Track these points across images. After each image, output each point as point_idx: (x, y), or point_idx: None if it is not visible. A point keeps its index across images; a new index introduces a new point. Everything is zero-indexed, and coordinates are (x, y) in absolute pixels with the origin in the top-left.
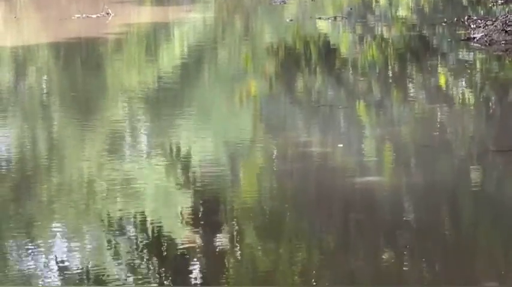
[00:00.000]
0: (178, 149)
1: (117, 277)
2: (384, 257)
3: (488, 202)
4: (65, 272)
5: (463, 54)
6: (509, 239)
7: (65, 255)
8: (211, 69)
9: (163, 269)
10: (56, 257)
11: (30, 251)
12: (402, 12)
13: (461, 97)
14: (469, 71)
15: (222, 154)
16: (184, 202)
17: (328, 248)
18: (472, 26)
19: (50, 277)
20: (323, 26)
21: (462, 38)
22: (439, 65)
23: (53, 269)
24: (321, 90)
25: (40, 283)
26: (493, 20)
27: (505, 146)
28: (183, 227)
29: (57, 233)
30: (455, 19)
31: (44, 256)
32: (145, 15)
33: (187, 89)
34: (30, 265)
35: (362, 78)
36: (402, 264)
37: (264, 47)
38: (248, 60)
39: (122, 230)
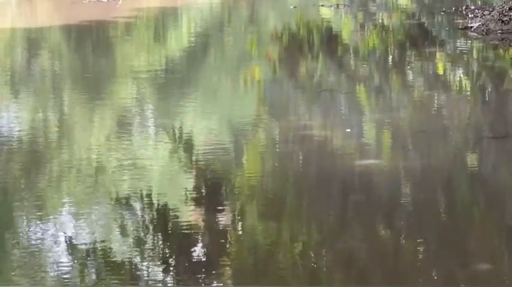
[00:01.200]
0: (184, 129)
1: (124, 249)
2: (381, 234)
3: (481, 184)
4: (72, 243)
5: (461, 42)
6: (501, 218)
7: (72, 228)
8: (217, 53)
9: (172, 239)
10: (64, 230)
11: (38, 224)
12: (402, 0)
13: (457, 84)
14: (465, 59)
15: (226, 134)
16: (189, 178)
17: (328, 224)
18: (469, 15)
19: (57, 249)
20: (326, 12)
21: (460, 27)
22: (437, 53)
23: (60, 241)
24: (323, 74)
25: (46, 254)
26: (490, 10)
27: (499, 132)
28: (189, 202)
29: (65, 206)
30: (454, 8)
31: (51, 228)
32: (155, 0)
33: (193, 72)
34: (39, 237)
35: (363, 64)
36: (399, 241)
37: (268, 33)
38: (253, 45)
39: (129, 205)
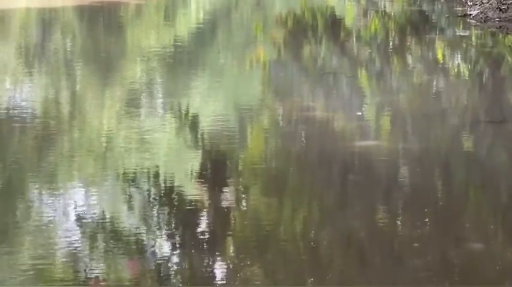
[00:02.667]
0: (191, 106)
1: (130, 222)
2: (379, 212)
3: (477, 165)
4: (80, 215)
5: (460, 29)
6: (495, 197)
7: (81, 200)
8: (224, 35)
9: (177, 212)
10: (74, 202)
11: (48, 196)
12: None
13: (456, 69)
14: (464, 45)
15: (231, 112)
16: (195, 154)
17: (328, 200)
18: (468, 3)
19: (66, 220)
20: None
21: (459, 14)
22: (436, 39)
23: (69, 213)
24: (326, 58)
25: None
26: None
27: (497, 117)
28: (193, 177)
29: (75, 179)
30: None
31: (61, 200)
32: None
33: (201, 53)
34: (50, 209)
35: (365, 49)
36: (396, 217)
37: (274, 17)
38: (259, 28)
39: (136, 179)
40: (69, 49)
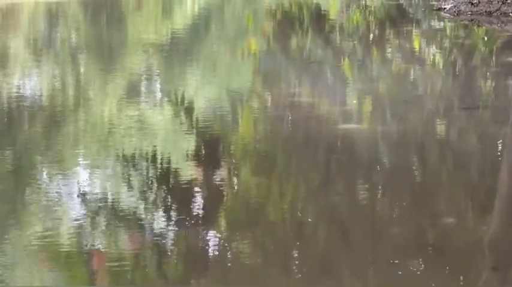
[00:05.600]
0: (187, 93)
1: (130, 201)
2: (360, 189)
3: (451, 148)
4: (84, 194)
5: (435, 22)
6: (467, 177)
7: (86, 180)
8: (217, 26)
9: (173, 190)
10: (79, 181)
11: (54, 176)
12: None
13: (432, 59)
14: (439, 36)
15: (224, 98)
16: (190, 136)
17: (312, 179)
18: None
19: (71, 200)
20: None
21: (434, 8)
22: (413, 30)
23: (74, 193)
24: (312, 48)
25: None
26: None
27: (473, 103)
28: (189, 160)
29: (80, 160)
30: None
31: (66, 180)
32: None
33: (196, 43)
34: (54, 187)
35: (347, 40)
36: (377, 195)
37: (263, 10)
38: (250, 21)
39: (135, 161)
40: (75, 39)
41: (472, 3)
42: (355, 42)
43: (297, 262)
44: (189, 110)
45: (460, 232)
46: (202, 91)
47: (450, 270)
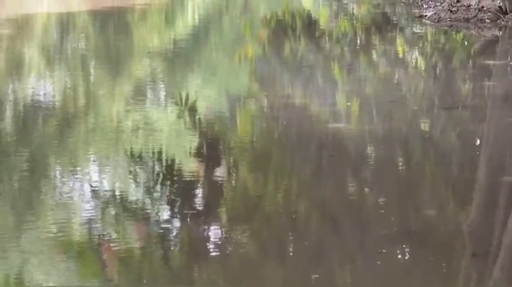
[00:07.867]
0: (189, 96)
1: (136, 196)
2: (349, 184)
3: (434, 144)
4: (93, 189)
5: (417, 28)
6: (448, 171)
7: (95, 176)
8: (216, 34)
9: (176, 185)
10: (89, 179)
11: (64, 172)
12: None
13: (414, 62)
14: (421, 42)
15: (223, 100)
16: (193, 136)
17: (305, 175)
18: (424, 6)
19: (81, 194)
20: (306, 2)
21: (416, 16)
22: (397, 36)
23: (84, 189)
24: (304, 53)
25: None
26: (441, 1)
27: (454, 103)
28: (191, 156)
29: (89, 158)
30: (411, 0)
31: (75, 176)
32: None
33: (197, 50)
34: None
35: (336, 45)
36: (364, 187)
37: (259, 18)
38: (246, 29)
39: (141, 159)
40: (84, 47)
41: (451, 11)
42: (343, 48)
43: (287, 252)
44: (192, 112)
45: (442, 222)
46: (203, 95)
47: (434, 257)
